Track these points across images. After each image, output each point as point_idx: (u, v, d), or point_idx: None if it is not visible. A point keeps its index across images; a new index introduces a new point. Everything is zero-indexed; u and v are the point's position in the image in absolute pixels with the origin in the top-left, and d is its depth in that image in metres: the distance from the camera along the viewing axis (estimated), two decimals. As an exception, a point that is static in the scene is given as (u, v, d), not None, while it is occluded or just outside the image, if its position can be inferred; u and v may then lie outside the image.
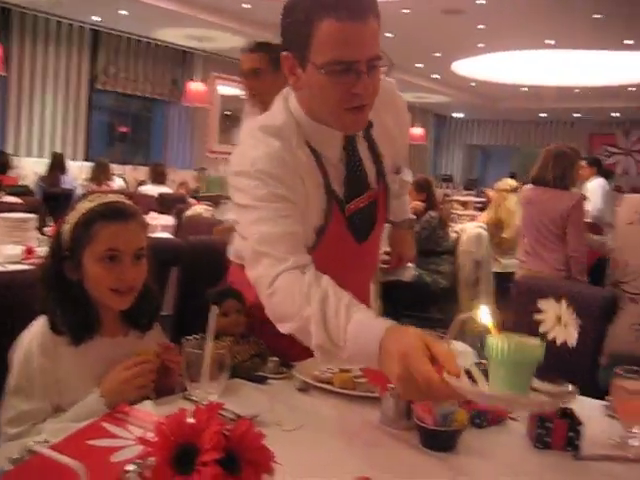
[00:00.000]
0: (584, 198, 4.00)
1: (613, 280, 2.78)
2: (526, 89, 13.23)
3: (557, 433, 1.32)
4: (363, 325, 1.26)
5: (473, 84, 13.17)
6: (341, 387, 1.61)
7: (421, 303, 4.84)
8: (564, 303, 1.17)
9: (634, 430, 1.34)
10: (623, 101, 13.04)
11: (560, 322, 1.12)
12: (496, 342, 0.99)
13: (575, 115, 15.13)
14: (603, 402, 1.57)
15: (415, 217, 5.19)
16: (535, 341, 1.01)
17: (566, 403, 1.00)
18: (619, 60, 10.62)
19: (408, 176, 2.01)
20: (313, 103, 1.51)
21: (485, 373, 1.04)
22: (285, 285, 1.37)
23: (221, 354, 1.36)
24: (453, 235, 5.73)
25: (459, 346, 1.74)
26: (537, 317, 1.13)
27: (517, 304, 2.54)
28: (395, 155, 1.77)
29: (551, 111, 14.94)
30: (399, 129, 1.76)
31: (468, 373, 1.05)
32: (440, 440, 1.32)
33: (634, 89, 12.30)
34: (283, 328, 1.39)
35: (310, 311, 1.30)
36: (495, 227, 6.01)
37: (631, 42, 9.36)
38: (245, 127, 1.70)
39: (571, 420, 1.34)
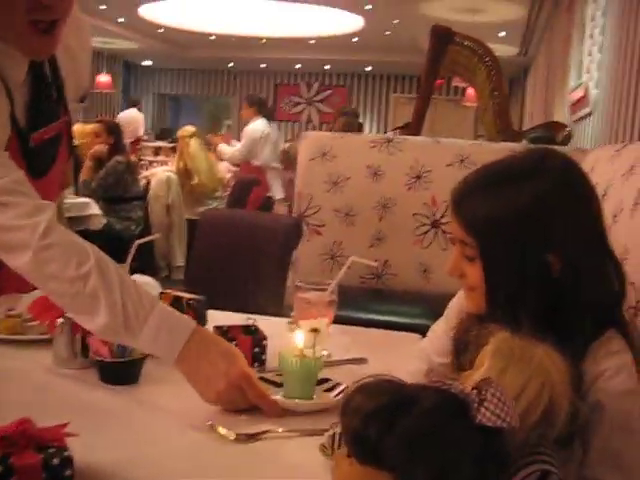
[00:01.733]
0: None
1: (298, 212, 2.88)
2: (214, 37, 13.27)
3: (243, 349, 1.29)
4: (166, 319, 1.12)
5: (161, 30, 12.86)
6: (8, 334, 1.43)
7: (115, 251, 4.64)
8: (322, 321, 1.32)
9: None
10: (305, 53, 13.74)
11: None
12: (288, 360, 1.15)
13: (262, 66, 15.60)
14: (286, 319, 1.59)
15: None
16: (317, 356, 1.18)
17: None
18: (300, 13, 11.12)
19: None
20: None
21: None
22: (62, 242, 1.13)
23: None
24: (143, 182, 5.59)
25: (142, 279, 1.66)
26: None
27: (202, 240, 2.60)
28: (78, 81, 1.60)
29: (239, 60, 15.21)
30: (81, 50, 1.58)
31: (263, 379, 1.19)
32: (120, 373, 1.22)
33: (313, 42, 13.02)
34: (46, 288, 1.16)
35: (97, 285, 1.10)
36: (185, 175, 5.97)
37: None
38: None
39: (256, 336, 1.33)
